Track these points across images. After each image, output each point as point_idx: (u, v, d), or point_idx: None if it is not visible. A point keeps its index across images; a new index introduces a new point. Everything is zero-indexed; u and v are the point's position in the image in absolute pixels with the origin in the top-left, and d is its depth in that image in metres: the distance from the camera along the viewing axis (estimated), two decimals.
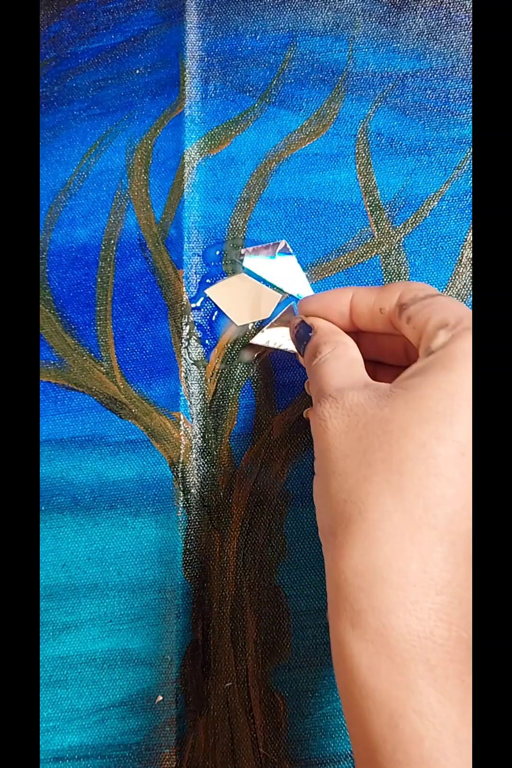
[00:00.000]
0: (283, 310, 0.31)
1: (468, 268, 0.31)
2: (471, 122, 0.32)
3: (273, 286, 0.31)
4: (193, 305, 0.32)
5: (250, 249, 0.32)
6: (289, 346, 0.30)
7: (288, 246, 0.32)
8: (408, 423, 0.19)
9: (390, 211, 0.32)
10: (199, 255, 0.32)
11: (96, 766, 0.28)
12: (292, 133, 0.33)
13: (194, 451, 0.30)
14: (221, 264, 0.32)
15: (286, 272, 0.32)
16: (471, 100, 0.33)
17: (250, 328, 0.31)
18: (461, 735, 0.16)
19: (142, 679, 0.28)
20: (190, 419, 0.30)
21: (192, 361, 0.31)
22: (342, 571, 0.18)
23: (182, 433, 0.30)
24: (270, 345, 0.30)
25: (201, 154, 0.33)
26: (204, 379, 0.31)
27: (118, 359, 0.31)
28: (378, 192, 0.32)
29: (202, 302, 0.32)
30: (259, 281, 0.32)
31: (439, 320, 0.20)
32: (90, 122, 0.34)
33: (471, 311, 0.21)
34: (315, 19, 0.34)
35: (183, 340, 0.31)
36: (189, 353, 0.31)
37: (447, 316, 0.20)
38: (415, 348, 0.22)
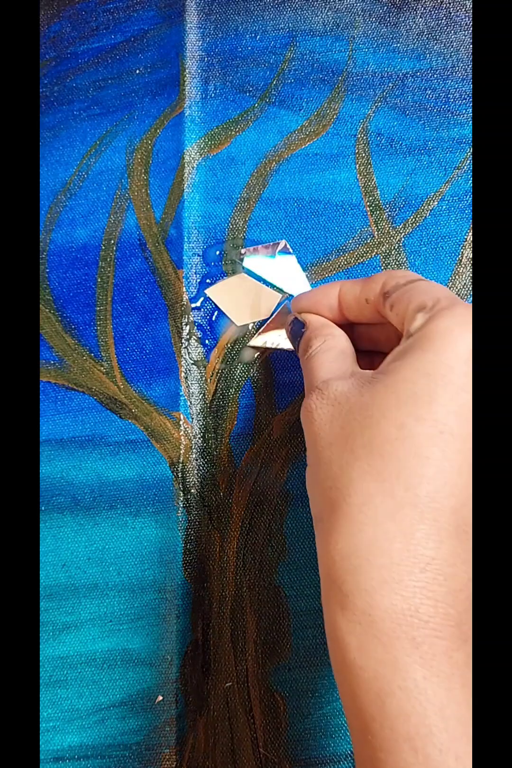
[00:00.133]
0: (278, 311, 0.31)
1: (468, 268, 0.31)
2: (471, 122, 0.32)
3: (273, 286, 0.31)
4: (193, 305, 0.32)
5: (250, 249, 0.32)
6: (287, 344, 0.30)
7: (288, 246, 0.32)
8: (388, 406, 0.19)
9: (390, 211, 0.32)
10: (199, 255, 0.32)
11: (96, 766, 0.28)
12: (292, 133, 0.33)
13: (194, 451, 0.30)
14: (221, 264, 0.32)
15: (286, 272, 0.32)
16: (471, 100, 0.33)
17: (249, 328, 0.31)
18: (448, 710, 0.16)
19: (142, 679, 0.28)
20: (190, 419, 0.30)
21: (192, 361, 0.31)
22: (331, 556, 0.19)
23: (182, 433, 0.30)
24: (269, 345, 0.31)
25: (201, 154, 0.33)
26: (204, 379, 0.31)
27: (118, 359, 0.31)
28: (378, 192, 0.32)
29: (202, 302, 0.32)
30: (259, 281, 0.32)
31: (418, 304, 0.21)
32: (90, 122, 0.34)
33: (450, 292, 0.21)
34: (315, 19, 0.34)
35: (183, 340, 0.31)
36: (189, 353, 0.31)
37: (425, 300, 0.21)
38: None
